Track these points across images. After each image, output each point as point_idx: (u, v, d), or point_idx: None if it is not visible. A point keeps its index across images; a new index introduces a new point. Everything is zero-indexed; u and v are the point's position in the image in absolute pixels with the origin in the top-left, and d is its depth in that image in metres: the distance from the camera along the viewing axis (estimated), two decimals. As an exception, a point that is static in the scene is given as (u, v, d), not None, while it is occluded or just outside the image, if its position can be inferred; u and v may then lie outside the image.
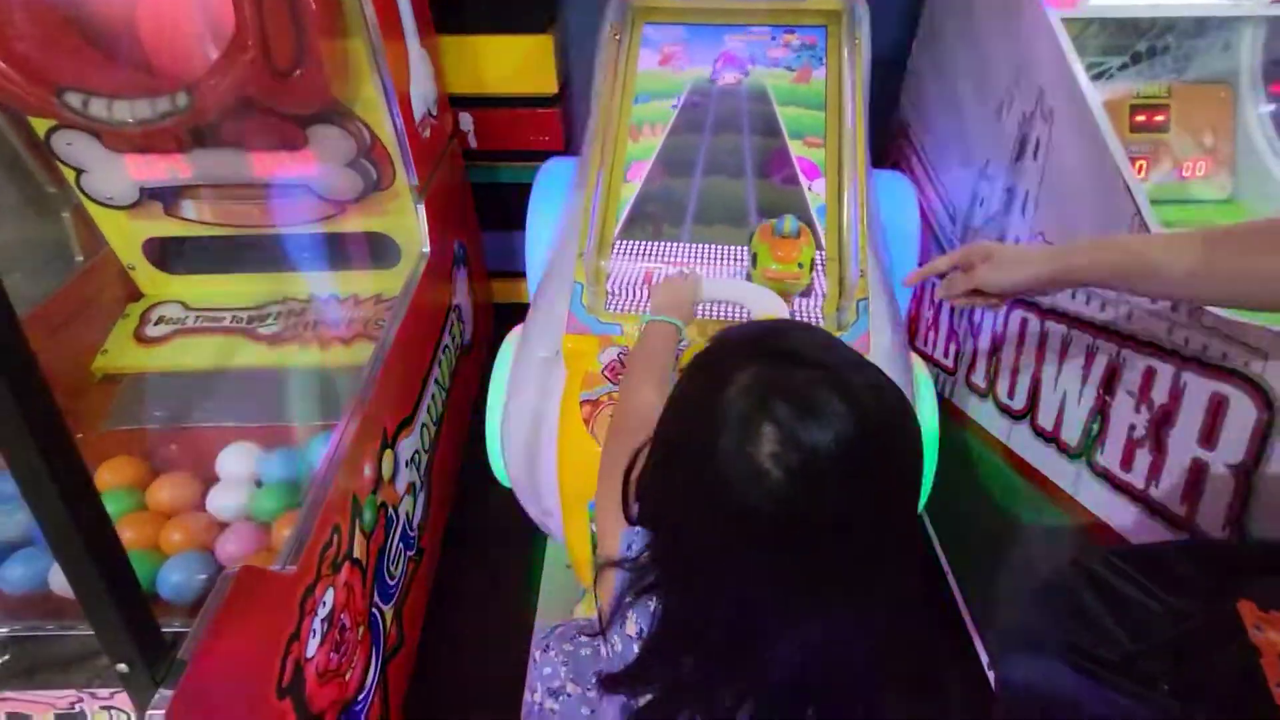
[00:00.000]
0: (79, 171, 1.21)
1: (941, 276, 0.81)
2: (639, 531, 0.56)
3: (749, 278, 1.07)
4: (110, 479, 1.04)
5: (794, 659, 0.47)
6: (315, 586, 0.82)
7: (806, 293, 1.07)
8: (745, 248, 1.11)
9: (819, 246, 1.09)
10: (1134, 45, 1.16)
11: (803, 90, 1.25)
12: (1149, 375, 0.80)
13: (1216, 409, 0.72)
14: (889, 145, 1.70)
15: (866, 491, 0.44)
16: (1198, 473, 0.74)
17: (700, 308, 0.99)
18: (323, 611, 0.84)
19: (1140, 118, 1.10)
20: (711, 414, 0.46)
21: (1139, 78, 1.16)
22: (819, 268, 1.09)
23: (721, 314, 1.04)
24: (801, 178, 1.18)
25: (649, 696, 0.53)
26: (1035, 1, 1.06)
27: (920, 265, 1.35)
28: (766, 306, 0.94)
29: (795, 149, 1.20)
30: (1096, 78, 1.15)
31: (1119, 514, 0.86)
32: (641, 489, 0.55)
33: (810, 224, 1.10)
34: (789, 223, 1.04)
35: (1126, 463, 0.84)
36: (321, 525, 0.85)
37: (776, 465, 0.42)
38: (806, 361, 0.46)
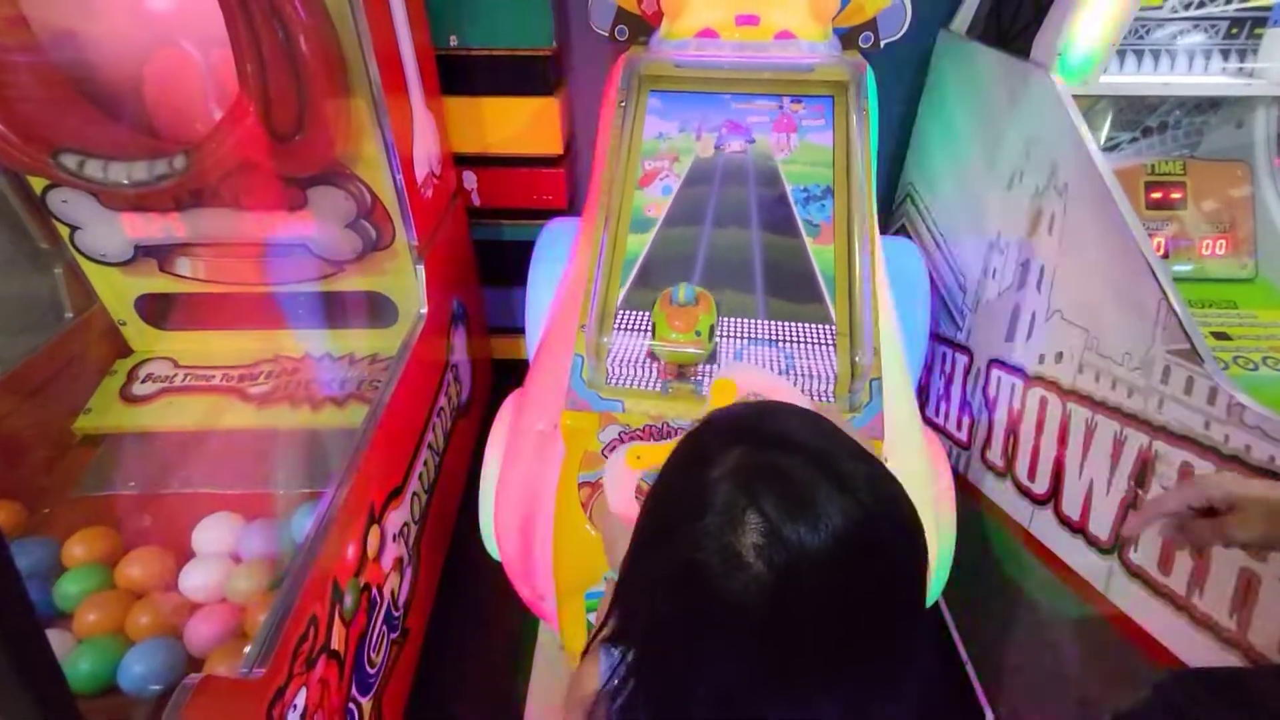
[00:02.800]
0: (73, 229, 1.19)
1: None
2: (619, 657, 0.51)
3: (650, 349, 1.02)
4: (79, 554, 0.98)
5: None
6: (286, 688, 0.75)
7: (706, 362, 1.01)
8: (751, 320, 1.07)
9: (829, 321, 1.05)
10: (1145, 120, 1.15)
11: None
12: (1186, 473, 0.75)
13: (1264, 516, 0.67)
14: (895, 210, 1.69)
15: (855, 592, 0.40)
16: (1248, 584, 0.68)
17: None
18: (293, 716, 0.77)
19: (1156, 195, 1.08)
20: (693, 496, 0.43)
21: (1150, 151, 1.15)
22: (832, 345, 1.04)
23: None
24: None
25: None
26: (1044, 77, 1.05)
27: (931, 329, 1.32)
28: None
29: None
30: (1108, 150, 1.14)
31: (1158, 619, 0.80)
32: (620, 581, 0.51)
33: (821, 300, 1.06)
34: (683, 290, 1.00)
35: (1165, 564, 0.78)
36: (297, 616, 0.79)
37: (759, 558, 0.39)
38: (797, 447, 0.43)
